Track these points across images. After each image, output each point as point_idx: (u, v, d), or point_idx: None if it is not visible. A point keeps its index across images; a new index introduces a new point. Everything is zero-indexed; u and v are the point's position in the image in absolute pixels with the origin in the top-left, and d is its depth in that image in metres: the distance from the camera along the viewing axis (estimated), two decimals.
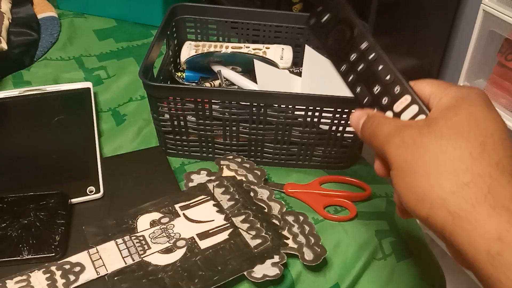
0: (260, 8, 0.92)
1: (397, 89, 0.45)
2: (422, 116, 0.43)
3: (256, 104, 0.70)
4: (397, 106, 0.45)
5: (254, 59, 0.82)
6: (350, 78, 0.49)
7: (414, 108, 0.43)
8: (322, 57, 0.83)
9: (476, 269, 0.36)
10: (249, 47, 0.87)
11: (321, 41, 0.52)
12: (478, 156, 0.37)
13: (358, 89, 0.48)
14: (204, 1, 1.30)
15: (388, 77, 0.45)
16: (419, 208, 0.38)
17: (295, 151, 0.76)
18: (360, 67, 0.48)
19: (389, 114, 0.45)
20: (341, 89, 0.80)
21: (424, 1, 1.50)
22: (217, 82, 0.83)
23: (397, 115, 0.44)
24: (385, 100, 0.46)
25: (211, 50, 0.87)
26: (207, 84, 0.83)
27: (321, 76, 0.80)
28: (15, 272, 0.58)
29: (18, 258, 0.60)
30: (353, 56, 0.48)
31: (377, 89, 0.46)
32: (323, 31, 0.51)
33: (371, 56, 0.47)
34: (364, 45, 0.47)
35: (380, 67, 0.46)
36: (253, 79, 0.82)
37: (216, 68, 0.83)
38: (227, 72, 0.82)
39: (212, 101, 0.71)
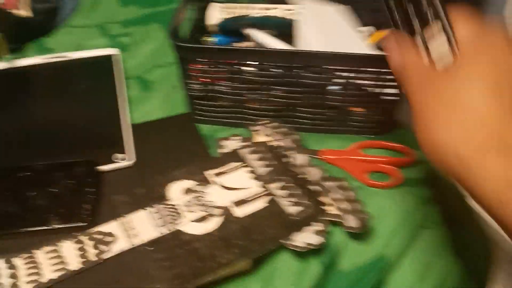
0: None
1: (430, 12, 0.43)
2: (447, 53, 0.42)
3: (291, 65, 0.66)
4: (428, 32, 0.44)
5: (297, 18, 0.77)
6: None
7: (443, 39, 0.43)
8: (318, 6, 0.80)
9: (490, 213, 0.37)
10: (279, 8, 0.83)
11: None
12: (490, 96, 0.37)
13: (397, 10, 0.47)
14: None
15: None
16: (432, 153, 0.40)
17: (332, 115, 0.72)
18: None
19: (418, 39, 0.45)
20: (346, 43, 0.76)
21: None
22: (249, 45, 0.79)
23: (426, 42, 0.44)
24: (416, 23, 0.45)
25: (239, 11, 0.82)
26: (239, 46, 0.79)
27: (322, 29, 0.76)
28: (44, 242, 0.55)
29: (48, 227, 0.57)
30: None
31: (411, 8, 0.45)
32: None
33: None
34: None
35: None
36: (288, 43, 0.77)
37: (248, 31, 0.79)
38: (260, 35, 0.78)
39: (246, 62, 0.67)
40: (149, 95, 0.79)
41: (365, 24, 0.82)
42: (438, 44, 0.43)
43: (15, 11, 0.90)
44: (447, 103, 0.39)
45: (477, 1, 1.46)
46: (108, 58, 0.80)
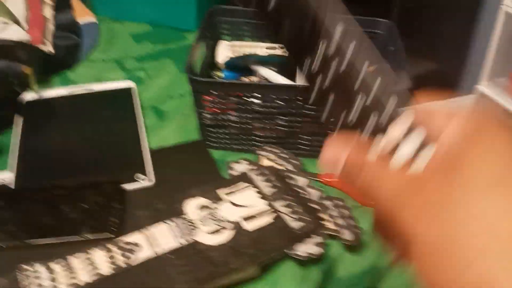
0: None
1: (390, 104, 0.31)
2: (428, 150, 0.30)
3: (293, 97, 0.75)
4: (390, 133, 0.31)
5: None
6: (318, 80, 0.34)
7: (416, 136, 0.31)
8: None
9: None
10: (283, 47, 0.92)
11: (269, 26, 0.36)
12: None
13: (330, 99, 0.34)
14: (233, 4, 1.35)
15: (376, 86, 0.32)
16: None
17: None
18: (333, 67, 0.33)
19: (377, 145, 0.32)
20: None
21: (445, 5, 1.54)
22: (255, 79, 0.88)
23: (389, 146, 0.31)
24: (372, 120, 0.32)
25: (245, 50, 0.92)
26: (246, 80, 0.88)
27: None
28: (77, 251, 0.63)
29: (79, 237, 0.65)
30: (322, 48, 0.32)
31: (360, 103, 0.32)
32: (272, 17, 0.34)
33: (347, 53, 0.32)
34: (337, 34, 0.32)
35: (362, 70, 0.32)
36: (290, 79, 0.86)
37: (254, 67, 0.88)
38: (265, 71, 0.87)
39: (253, 95, 0.76)
40: (164, 123, 0.88)
41: None
42: (409, 141, 0.31)
43: (41, 47, 0.99)
44: (467, 225, 0.26)
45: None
46: (128, 90, 0.89)
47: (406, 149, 0.31)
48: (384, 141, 0.32)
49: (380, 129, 0.32)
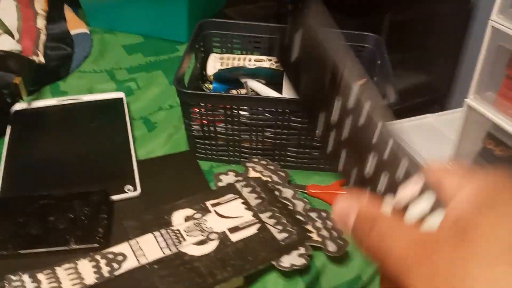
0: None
1: (402, 165, 0.32)
2: (439, 215, 0.30)
3: (280, 110, 0.76)
4: (402, 193, 0.32)
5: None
6: (333, 134, 0.34)
7: (427, 199, 0.31)
8: None
9: None
10: (271, 60, 0.94)
11: (293, 82, 0.36)
12: None
13: (343, 156, 0.35)
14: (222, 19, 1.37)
15: (388, 147, 0.32)
16: None
17: (316, 155, 0.81)
18: (347, 125, 0.33)
19: (388, 202, 0.32)
20: None
21: (435, 19, 1.56)
22: (243, 92, 0.89)
23: (400, 205, 0.32)
24: (385, 178, 0.32)
25: (235, 62, 0.93)
26: (234, 92, 0.89)
27: None
28: (64, 261, 0.63)
29: (66, 248, 0.65)
30: (339, 103, 0.33)
31: (373, 160, 0.33)
32: (294, 69, 0.36)
33: (364, 112, 0.33)
34: (356, 91, 0.33)
35: (377, 130, 0.32)
36: (277, 91, 0.88)
37: (243, 79, 0.89)
38: (253, 83, 0.88)
39: (240, 107, 0.77)
40: (153, 134, 0.88)
41: None
42: (419, 204, 0.31)
43: (32, 57, 1.00)
44: None
45: (465, 8, 1.59)
46: (118, 101, 0.90)
47: (416, 211, 0.31)
48: (395, 201, 0.32)
49: (392, 188, 0.32)
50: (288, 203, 0.73)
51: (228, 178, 0.78)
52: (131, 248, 0.65)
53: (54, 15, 1.16)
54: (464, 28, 1.63)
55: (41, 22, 1.11)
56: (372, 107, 0.32)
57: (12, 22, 1.04)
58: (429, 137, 1.50)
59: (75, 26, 1.17)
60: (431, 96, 1.70)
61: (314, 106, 0.35)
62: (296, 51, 0.34)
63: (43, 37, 1.07)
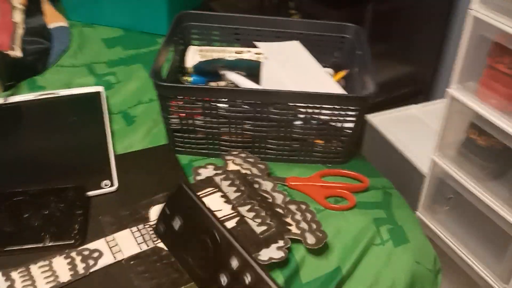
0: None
1: None
2: None
3: (259, 102, 0.75)
4: None
5: (263, 60, 0.87)
6: None
7: None
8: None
9: None
10: (250, 52, 0.93)
11: (178, 256, 0.37)
12: None
13: None
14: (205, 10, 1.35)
15: None
16: None
17: (296, 147, 0.81)
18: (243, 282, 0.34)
19: None
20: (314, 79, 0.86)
21: (418, 10, 1.55)
22: (222, 84, 0.88)
23: None
24: None
25: (214, 54, 0.92)
26: (214, 85, 0.88)
27: (289, 68, 0.86)
28: (38, 258, 0.62)
29: (41, 245, 0.64)
30: (223, 280, 0.35)
31: None
32: (178, 242, 0.37)
33: (248, 278, 0.34)
34: (234, 262, 0.34)
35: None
36: (256, 82, 0.87)
37: (222, 71, 0.88)
38: (232, 75, 0.87)
39: (219, 100, 0.76)
40: (132, 128, 0.87)
41: (323, 66, 0.92)
42: None
43: (8, 52, 0.98)
44: None
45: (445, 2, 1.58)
46: (97, 94, 0.88)
47: None
48: None
49: None
50: (268, 195, 0.73)
51: (207, 172, 0.77)
52: (108, 244, 0.64)
53: (32, 8, 1.14)
54: (447, 17, 1.62)
55: (18, 16, 1.09)
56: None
57: None
58: (414, 128, 1.50)
59: (54, 19, 1.15)
60: (416, 87, 1.70)
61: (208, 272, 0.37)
62: (179, 220, 0.37)
63: (20, 31, 1.05)
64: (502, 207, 1.11)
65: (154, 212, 0.69)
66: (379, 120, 1.52)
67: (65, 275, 0.60)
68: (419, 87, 1.72)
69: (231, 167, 0.78)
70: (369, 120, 1.51)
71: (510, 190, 1.12)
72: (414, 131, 1.48)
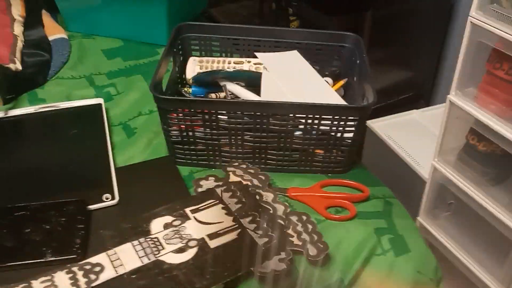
0: (259, 26, 0.98)
1: None
2: None
3: (259, 113, 0.76)
4: None
5: (263, 70, 0.88)
6: None
7: None
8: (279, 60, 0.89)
9: None
10: (250, 62, 0.93)
11: None
12: None
13: None
14: (205, 20, 1.36)
15: None
16: None
17: (297, 157, 0.81)
18: None
19: None
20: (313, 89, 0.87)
21: (417, 16, 1.56)
22: (222, 95, 0.88)
23: None
24: None
25: (214, 65, 0.92)
26: (213, 96, 0.88)
27: (289, 78, 0.86)
28: (40, 273, 0.62)
29: (42, 260, 0.64)
30: None
31: None
32: None
33: None
34: None
35: None
36: (256, 93, 0.87)
37: (221, 82, 0.88)
38: (232, 86, 0.87)
39: (219, 112, 0.76)
40: (133, 140, 0.87)
41: (322, 75, 0.92)
42: None
43: (8, 65, 0.98)
44: None
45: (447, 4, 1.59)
46: (98, 107, 0.89)
47: None
48: None
49: None
50: (269, 207, 0.73)
51: (208, 183, 0.77)
52: (109, 258, 0.64)
53: (32, 20, 1.14)
54: (446, 23, 1.62)
55: (18, 29, 1.10)
56: None
57: None
58: (414, 133, 1.50)
59: (53, 31, 1.15)
60: (416, 92, 1.70)
61: None
62: None
63: (20, 44, 1.06)
64: (503, 213, 1.11)
65: (156, 225, 0.69)
66: (380, 125, 1.52)
67: None
68: (419, 93, 1.72)
69: (232, 178, 0.78)
70: (369, 125, 1.51)
71: (511, 195, 1.12)
72: (414, 136, 1.48)
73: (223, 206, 0.73)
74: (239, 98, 0.87)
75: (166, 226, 0.69)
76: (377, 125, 1.52)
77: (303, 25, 1.69)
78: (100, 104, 0.90)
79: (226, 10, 1.97)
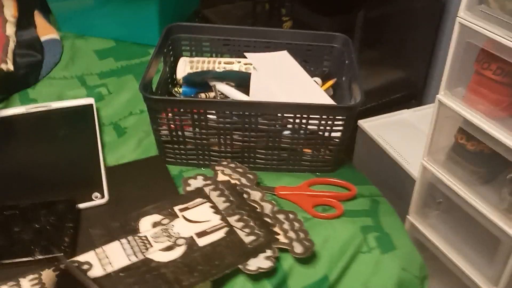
0: (252, 26, 0.99)
1: None
2: None
3: (248, 113, 0.76)
4: None
5: (252, 70, 0.88)
6: None
7: None
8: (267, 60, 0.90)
9: None
10: (240, 62, 0.94)
11: None
12: None
13: None
14: (198, 20, 1.37)
15: None
16: None
17: (285, 156, 0.82)
18: None
19: None
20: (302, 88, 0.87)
21: (409, 16, 1.57)
22: (211, 95, 0.89)
23: None
24: None
25: (204, 65, 0.93)
26: (203, 96, 0.89)
27: (278, 78, 0.87)
28: (28, 272, 0.63)
29: (31, 258, 0.65)
30: None
31: None
32: None
33: None
34: None
35: None
36: (246, 93, 0.88)
37: (211, 83, 0.89)
38: (222, 86, 0.88)
39: (208, 111, 0.77)
40: (123, 140, 0.88)
41: (312, 75, 0.93)
42: None
43: (0, 66, 0.99)
44: None
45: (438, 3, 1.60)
46: (89, 107, 0.89)
47: None
48: None
49: None
50: (256, 205, 0.74)
51: (196, 182, 0.78)
52: (97, 256, 0.65)
53: (24, 21, 1.15)
54: (438, 23, 1.64)
55: (10, 29, 1.10)
56: None
57: None
58: (405, 133, 1.51)
59: (46, 32, 1.16)
60: (408, 92, 1.71)
61: None
62: None
63: (12, 44, 1.06)
64: (491, 212, 1.12)
65: (144, 223, 0.70)
66: (371, 125, 1.52)
67: None
68: (411, 92, 1.74)
69: (221, 177, 0.79)
70: (360, 125, 1.52)
71: (499, 194, 1.13)
72: (405, 136, 1.49)
73: (211, 204, 0.74)
74: (229, 98, 0.88)
75: (155, 224, 0.70)
76: (368, 124, 1.53)
77: (296, 26, 1.70)
78: (91, 104, 0.91)
79: (219, 11, 1.98)
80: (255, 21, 1.87)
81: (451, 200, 1.23)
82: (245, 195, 0.75)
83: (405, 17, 1.58)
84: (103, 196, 0.74)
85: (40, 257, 0.65)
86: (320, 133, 0.79)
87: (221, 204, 0.74)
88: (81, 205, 0.73)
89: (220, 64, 0.93)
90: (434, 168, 1.25)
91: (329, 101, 0.86)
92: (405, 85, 1.70)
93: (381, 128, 1.51)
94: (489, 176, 1.18)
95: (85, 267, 0.64)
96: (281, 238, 0.69)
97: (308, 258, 0.67)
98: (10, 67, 1.00)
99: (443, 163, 1.24)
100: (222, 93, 0.88)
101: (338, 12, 1.51)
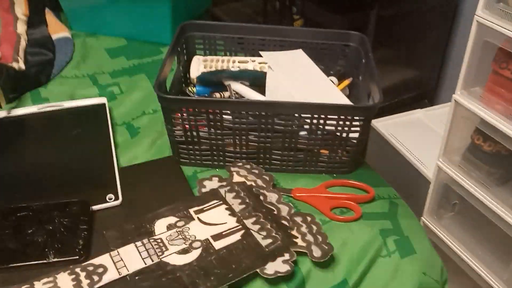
0: (263, 25, 0.97)
1: None
2: None
3: (264, 113, 0.75)
4: None
5: (268, 70, 0.87)
6: None
7: None
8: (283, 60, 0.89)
9: None
10: (254, 61, 0.92)
11: None
12: None
13: None
14: (208, 19, 1.35)
15: None
16: None
17: (301, 157, 0.80)
18: None
19: None
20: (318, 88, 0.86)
21: (422, 15, 1.55)
22: (226, 94, 0.88)
23: None
24: None
25: (218, 64, 0.92)
26: (217, 95, 0.87)
27: (294, 77, 0.86)
28: (42, 274, 0.62)
29: (45, 261, 0.64)
30: None
31: None
32: None
33: None
34: None
35: None
36: (261, 92, 0.86)
37: (226, 82, 0.88)
38: (237, 86, 0.87)
39: (223, 111, 0.76)
40: (137, 140, 0.87)
41: (327, 75, 0.92)
42: None
43: (11, 64, 0.98)
44: None
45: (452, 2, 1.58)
46: (101, 106, 0.88)
47: None
48: None
49: None
50: (273, 207, 0.72)
51: (211, 184, 0.77)
52: (112, 259, 0.64)
53: (35, 19, 1.14)
54: (452, 22, 1.62)
55: (21, 27, 1.09)
56: None
57: None
58: (419, 132, 1.49)
59: (57, 30, 1.15)
60: (421, 91, 1.70)
61: None
62: None
63: (23, 42, 1.05)
64: (508, 213, 1.10)
65: (159, 225, 0.69)
66: (384, 125, 1.51)
67: None
68: (423, 92, 1.72)
69: (236, 178, 0.77)
70: (373, 125, 1.51)
71: None
72: (419, 136, 1.47)
73: (226, 206, 0.72)
74: (244, 97, 0.86)
75: (170, 227, 0.69)
76: (381, 124, 1.51)
77: (307, 24, 1.68)
78: (103, 104, 0.90)
79: (229, 9, 1.97)
80: (266, 19, 1.85)
81: (466, 202, 1.21)
82: (261, 197, 0.74)
83: (418, 16, 1.56)
84: (117, 198, 0.73)
85: (54, 259, 0.63)
86: (338, 134, 0.77)
87: (237, 206, 0.72)
88: (95, 207, 0.72)
89: (234, 63, 0.92)
90: (450, 169, 1.24)
91: (346, 101, 0.85)
92: (417, 85, 1.69)
93: (394, 128, 1.50)
94: (506, 177, 1.16)
95: (100, 270, 0.63)
96: (299, 241, 0.67)
97: (326, 262, 0.66)
98: (22, 65, 0.99)
99: (459, 164, 1.22)
100: (237, 93, 0.87)
101: (350, 10, 1.49)
